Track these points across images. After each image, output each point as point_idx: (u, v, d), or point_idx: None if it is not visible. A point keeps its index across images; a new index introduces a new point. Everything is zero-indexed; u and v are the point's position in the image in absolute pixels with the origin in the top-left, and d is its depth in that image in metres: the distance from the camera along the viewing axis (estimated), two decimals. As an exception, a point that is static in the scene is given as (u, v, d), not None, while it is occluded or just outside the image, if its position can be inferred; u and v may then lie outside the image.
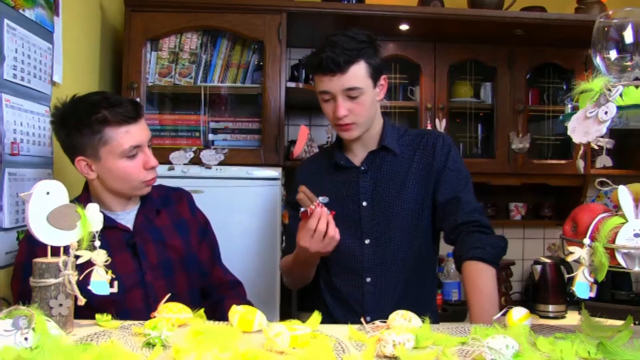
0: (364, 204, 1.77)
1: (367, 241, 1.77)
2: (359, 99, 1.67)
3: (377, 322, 1.24)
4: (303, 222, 1.63)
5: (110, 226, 1.57)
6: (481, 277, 1.60)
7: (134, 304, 1.56)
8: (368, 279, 1.76)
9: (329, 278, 1.83)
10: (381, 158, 1.80)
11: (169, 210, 1.74)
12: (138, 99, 2.56)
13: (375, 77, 1.70)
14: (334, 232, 1.61)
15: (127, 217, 1.66)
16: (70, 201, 1.66)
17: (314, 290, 1.89)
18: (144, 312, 1.55)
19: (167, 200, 1.77)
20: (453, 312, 3.05)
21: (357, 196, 1.78)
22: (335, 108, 1.68)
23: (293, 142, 2.81)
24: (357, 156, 1.82)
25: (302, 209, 1.60)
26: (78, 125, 1.54)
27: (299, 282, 1.91)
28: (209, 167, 2.61)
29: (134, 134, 1.56)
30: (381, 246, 1.76)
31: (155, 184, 1.70)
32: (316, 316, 1.24)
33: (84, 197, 1.65)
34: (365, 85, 1.67)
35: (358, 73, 1.65)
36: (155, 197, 1.72)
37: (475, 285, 1.59)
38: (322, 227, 1.59)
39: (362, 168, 1.79)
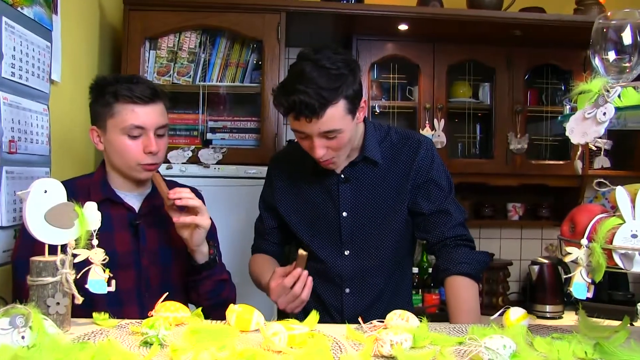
0: (344, 214, 1.72)
1: (346, 252, 1.74)
2: (337, 138, 1.55)
3: (375, 322, 1.24)
4: (282, 272, 1.57)
5: (116, 202, 1.62)
6: (467, 292, 1.62)
7: (125, 284, 1.53)
8: (347, 290, 1.75)
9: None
10: (362, 168, 1.72)
11: None
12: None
13: (354, 109, 1.55)
14: (306, 297, 1.55)
15: (134, 199, 1.67)
16: (85, 175, 1.72)
17: None
18: (134, 293, 1.58)
19: None
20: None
21: (337, 206, 1.73)
22: (312, 147, 1.57)
23: (292, 141, 2.81)
24: None
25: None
26: (97, 95, 1.61)
27: None
28: (207, 166, 2.60)
29: (140, 114, 1.56)
30: (361, 257, 1.74)
31: (168, 180, 1.71)
32: (314, 315, 1.23)
33: (98, 173, 1.68)
34: (343, 125, 1.52)
35: (336, 114, 1.49)
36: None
37: (461, 300, 1.60)
38: (297, 290, 1.53)
39: (342, 177, 1.72)
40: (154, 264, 1.63)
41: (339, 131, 1.53)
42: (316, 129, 1.51)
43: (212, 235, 1.74)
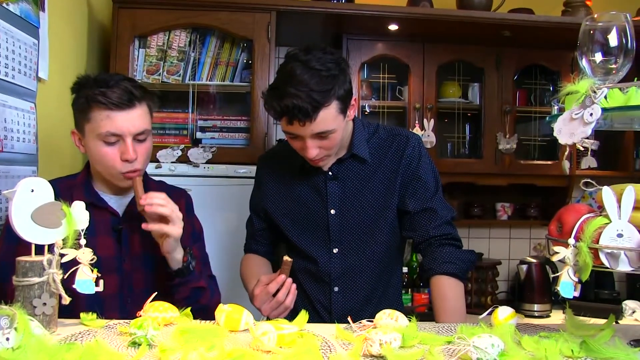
0: (332, 212, 1.71)
1: (335, 250, 1.73)
2: (330, 137, 1.55)
3: (364, 321, 1.24)
4: (266, 280, 1.57)
5: (100, 206, 1.57)
6: (452, 292, 1.61)
7: (108, 289, 1.41)
8: (336, 289, 1.74)
9: (298, 282, 1.77)
10: (350, 165, 1.72)
11: None
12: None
13: (346, 108, 1.55)
14: (290, 303, 1.55)
15: (119, 202, 1.62)
16: (69, 176, 1.67)
17: None
18: (117, 299, 1.55)
19: None
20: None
21: (325, 204, 1.72)
22: (304, 147, 1.56)
23: (281, 141, 2.80)
24: None
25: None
26: (75, 97, 1.55)
27: None
28: (196, 165, 2.60)
29: (116, 121, 1.48)
30: (349, 255, 1.73)
31: (157, 179, 1.70)
32: (303, 315, 1.23)
33: (82, 175, 1.63)
34: (336, 125, 1.52)
35: (329, 115, 1.49)
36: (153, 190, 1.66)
37: (445, 300, 1.60)
38: (280, 296, 1.54)
39: (330, 174, 1.71)
40: (136, 269, 1.59)
41: (331, 131, 1.53)
42: (309, 131, 1.50)
43: (198, 237, 1.73)
